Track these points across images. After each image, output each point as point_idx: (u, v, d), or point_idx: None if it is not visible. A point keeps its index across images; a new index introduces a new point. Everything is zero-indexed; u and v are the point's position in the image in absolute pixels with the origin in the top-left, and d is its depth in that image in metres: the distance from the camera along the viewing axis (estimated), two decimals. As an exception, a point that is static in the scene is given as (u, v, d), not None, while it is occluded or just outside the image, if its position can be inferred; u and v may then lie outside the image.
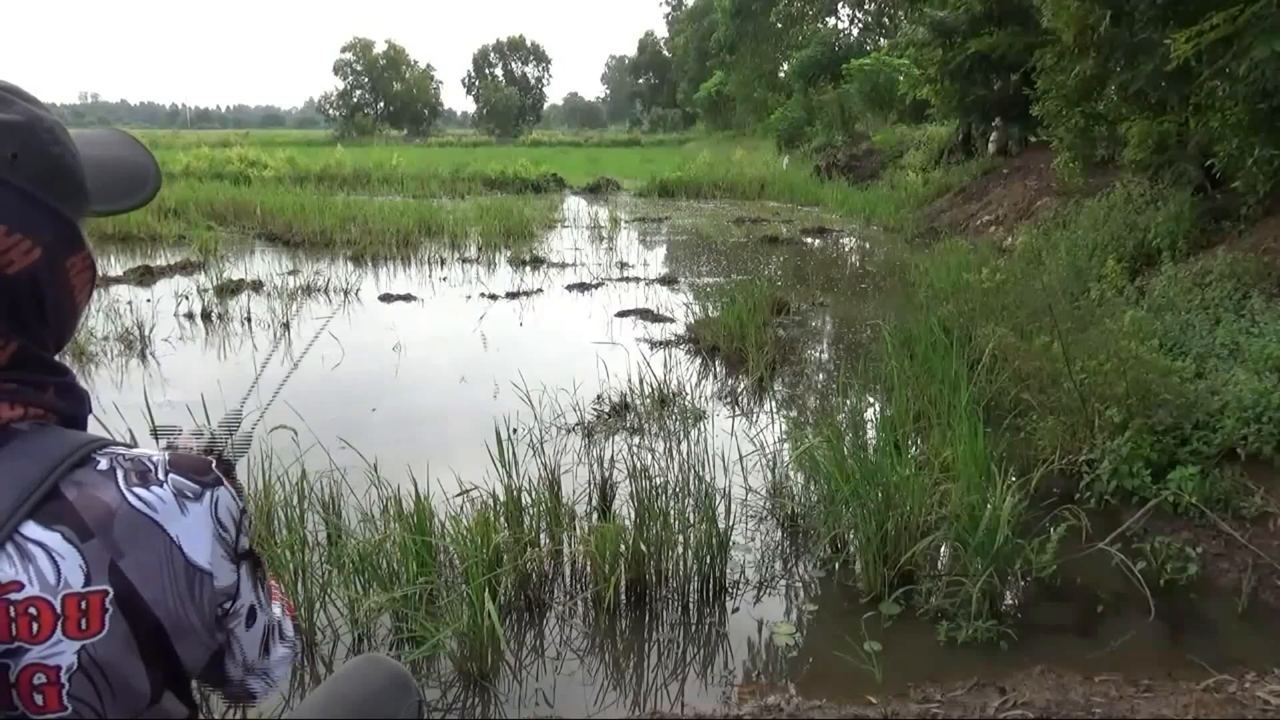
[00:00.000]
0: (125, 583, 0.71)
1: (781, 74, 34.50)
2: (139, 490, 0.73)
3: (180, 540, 0.74)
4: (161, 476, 0.75)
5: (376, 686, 1.21)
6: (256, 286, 8.48)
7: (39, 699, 0.68)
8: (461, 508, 3.25)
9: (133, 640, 0.71)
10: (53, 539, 0.68)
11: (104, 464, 0.73)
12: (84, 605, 0.69)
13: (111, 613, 0.70)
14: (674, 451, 3.94)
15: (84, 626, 0.69)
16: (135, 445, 0.80)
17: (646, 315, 7.48)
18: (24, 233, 0.71)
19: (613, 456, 3.77)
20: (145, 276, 8.96)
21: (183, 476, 0.76)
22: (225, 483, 0.80)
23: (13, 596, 0.67)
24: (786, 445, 3.96)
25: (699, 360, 6.09)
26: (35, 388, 0.75)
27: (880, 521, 3.03)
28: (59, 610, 0.68)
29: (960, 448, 3.32)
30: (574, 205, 17.31)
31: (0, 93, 0.73)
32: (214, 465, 0.80)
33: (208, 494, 0.77)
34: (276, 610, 0.94)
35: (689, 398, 4.91)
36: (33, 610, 0.67)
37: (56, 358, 0.80)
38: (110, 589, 0.70)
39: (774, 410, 5.06)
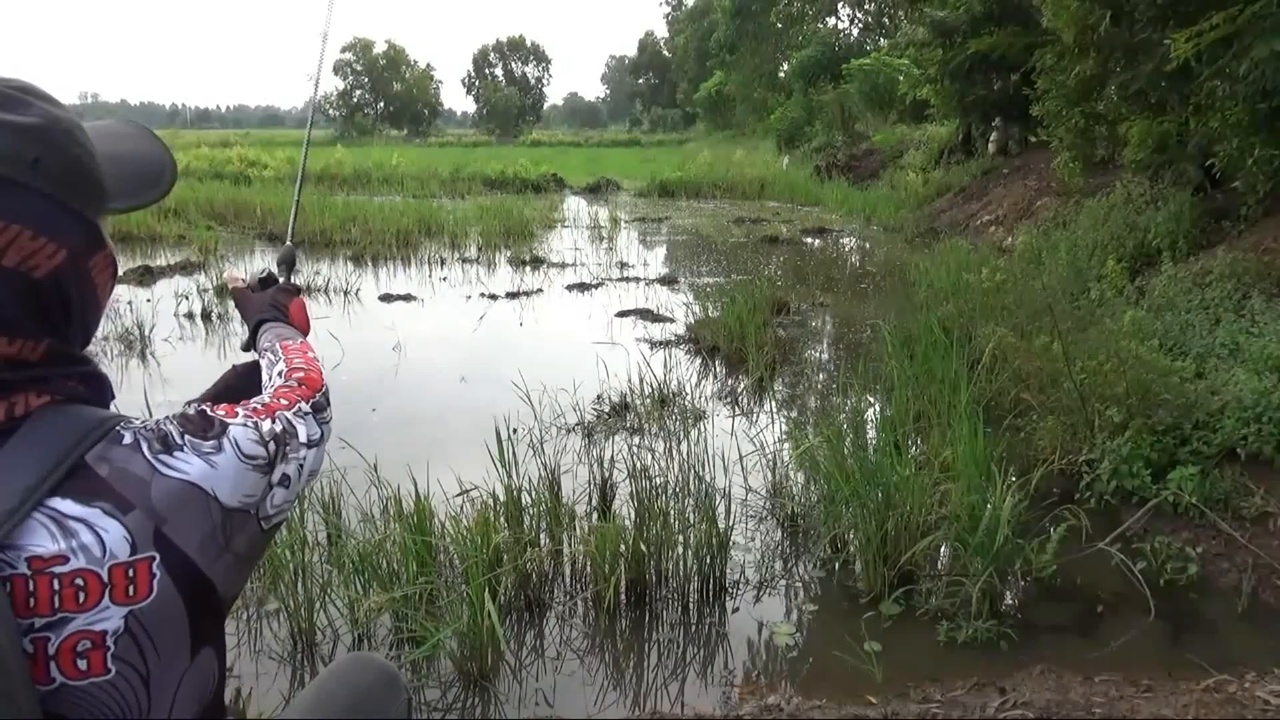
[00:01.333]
0: (172, 546, 0.72)
1: (781, 74, 34.53)
2: (164, 457, 0.75)
3: (216, 491, 0.77)
4: (180, 440, 0.77)
5: (365, 685, 1.21)
6: (256, 286, 8.48)
7: (82, 664, 0.69)
8: (461, 508, 3.25)
9: (180, 599, 0.73)
10: (93, 515, 0.69)
11: (128, 438, 0.75)
12: (131, 573, 0.70)
13: (159, 577, 0.71)
14: (674, 451, 3.94)
15: (132, 593, 0.70)
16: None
17: (646, 315, 7.48)
18: (48, 236, 0.72)
19: (613, 456, 3.77)
20: (145, 276, 8.97)
21: (196, 437, 0.78)
22: (230, 422, 0.81)
23: (57, 570, 0.67)
24: (786, 445, 3.96)
25: (699, 360, 6.09)
26: (62, 378, 0.77)
27: (880, 521, 3.03)
28: (106, 580, 0.69)
29: (960, 448, 3.32)
30: (574, 205, 17.31)
31: (18, 94, 0.73)
32: (210, 411, 0.82)
33: (225, 441, 0.79)
34: (301, 429, 0.89)
35: (689, 398, 4.91)
36: (79, 581, 0.68)
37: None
38: (157, 554, 0.71)
39: (774, 410, 5.06)
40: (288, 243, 1.51)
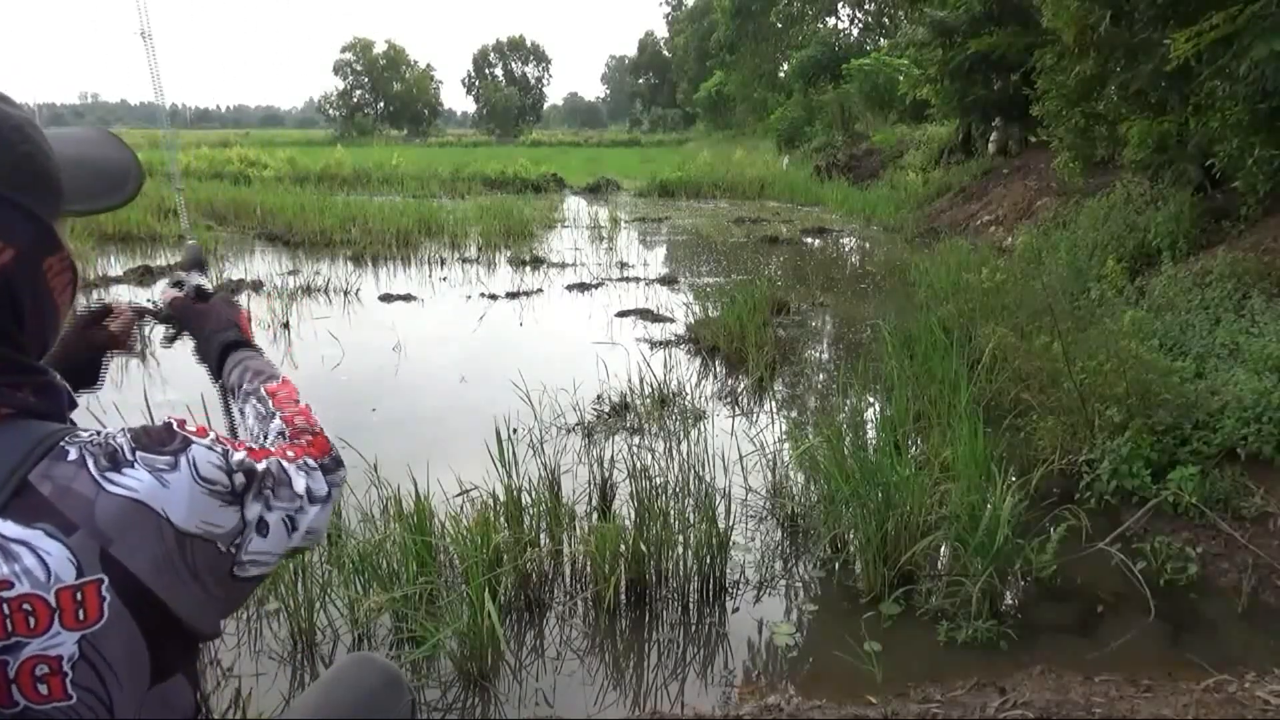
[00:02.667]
0: (120, 568, 0.69)
1: (781, 74, 34.52)
2: (112, 474, 0.71)
3: (168, 513, 0.72)
4: (131, 457, 0.73)
5: (368, 686, 1.20)
6: (256, 286, 8.48)
7: (43, 689, 0.68)
8: (461, 508, 3.26)
9: (134, 623, 0.71)
10: (35, 536, 0.67)
11: (74, 453, 0.72)
12: (80, 597, 0.68)
13: (109, 600, 0.69)
14: (674, 451, 3.94)
15: (82, 617, 0.68)
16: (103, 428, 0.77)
17: (646, 315, 7.48)
18: None
19: (613, 456, 3.77)
20: (145, 276, 8.95)
21: (150, 452, 0.74)
22: (194, 441, 0.77)
23: (4, 595, 0.66)
24: (786, 445, 3.96)
25: (699, 360, 6.09)
26: (10, 388, 0.74)
27: (880, 521, 3.03)
28: (54, 604, 0.67)
29: (960, 448, 3.32)
30: (574, 205, 17.30)
31: None
32: (177, 426, 0.77)
33: (182, 459, 0.75)
34: (298, 480, 0.85)
35: (689, 398, 4.91)
36: (27, 606, 0.66)
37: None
38: (105, 577, 0.69)
39: (774, 410, 5.05)
40: (189, 240, 1.42)
